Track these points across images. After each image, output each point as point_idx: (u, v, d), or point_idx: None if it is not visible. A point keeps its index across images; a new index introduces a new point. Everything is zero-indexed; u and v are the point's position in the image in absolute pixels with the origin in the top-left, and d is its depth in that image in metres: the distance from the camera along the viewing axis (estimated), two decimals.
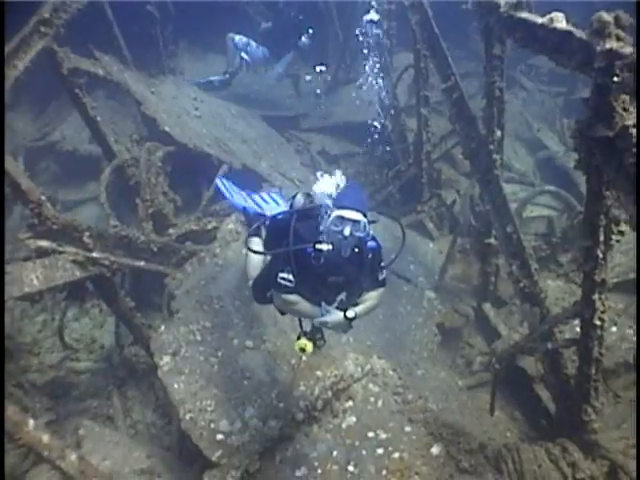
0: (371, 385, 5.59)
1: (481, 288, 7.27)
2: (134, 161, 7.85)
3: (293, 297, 4.07)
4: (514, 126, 11.05)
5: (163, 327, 6.10)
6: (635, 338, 6.24)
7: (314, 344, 4.22)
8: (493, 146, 5.87)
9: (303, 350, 4.17)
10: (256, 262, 4.97)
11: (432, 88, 7.79)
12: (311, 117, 11.53)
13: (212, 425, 5.28)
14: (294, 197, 4.60)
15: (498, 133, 5.87)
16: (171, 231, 7.65)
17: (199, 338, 5.98)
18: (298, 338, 4.22)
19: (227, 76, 10.83)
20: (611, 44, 3.11)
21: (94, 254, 5.94)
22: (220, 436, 5.21)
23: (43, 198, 5.61)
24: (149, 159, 7.81)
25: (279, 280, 3.99)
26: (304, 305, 4.12)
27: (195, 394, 5.51)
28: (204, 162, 8.57)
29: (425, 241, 8.19)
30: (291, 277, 3.96)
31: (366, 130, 8.56)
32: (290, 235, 3.98)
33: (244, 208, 5.38)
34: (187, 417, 5.34)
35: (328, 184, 4.09)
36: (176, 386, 5.57)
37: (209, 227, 7.64)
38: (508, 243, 5.89)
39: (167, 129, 8.40)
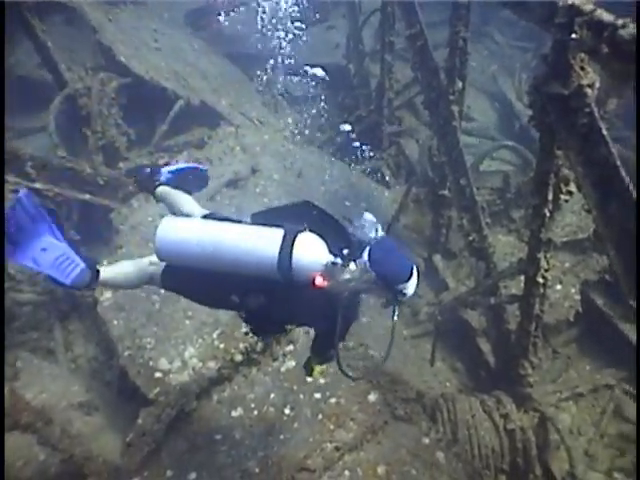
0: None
1: (432, 239, 7.29)
2: (86, 91, 7.53)
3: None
4: (479, 78, 10.91)
5: (106, 262, 5.98)
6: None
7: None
8: (453, 97, 5.80)
9: (322, 373, 4.13)
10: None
11: (398, 35, 7.60)
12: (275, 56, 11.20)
13: (151, 363, 5.26)
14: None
15: (459, 84, 5.80)
16: (122, 165, 7.45)
17: None
18: (311, 369, 3.99)
19: None
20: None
21: (37, 185, 5.75)
22: (158, 374, 5.20)
23: None
24: (102, 89, 7.51)
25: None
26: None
27: (135, 331, 5.47)
28: (161, 96, 8.30)
29: (380, 189, 8.11)
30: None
31: (330, 72, 8.38)
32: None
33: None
34: (126, 354, 5.32)
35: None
36: (115, 322, 5.53)
37: (161, 162, 7.45)
38: (461, 196, 5.88)
39: (123, 59, 8.07)
